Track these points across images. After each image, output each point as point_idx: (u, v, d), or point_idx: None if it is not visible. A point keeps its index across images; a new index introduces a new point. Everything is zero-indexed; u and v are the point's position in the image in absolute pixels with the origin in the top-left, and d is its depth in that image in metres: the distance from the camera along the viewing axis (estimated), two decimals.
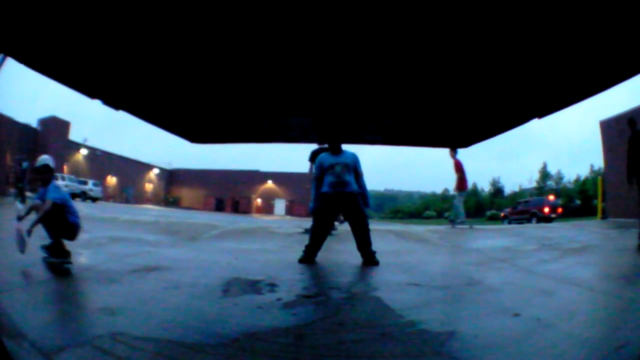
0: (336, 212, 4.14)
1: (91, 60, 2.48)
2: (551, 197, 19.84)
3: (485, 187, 45.67)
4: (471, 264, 3.84)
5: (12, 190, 13.37)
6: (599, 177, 12.37)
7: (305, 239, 4.10)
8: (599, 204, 11.30)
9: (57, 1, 1.82)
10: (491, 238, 6.21)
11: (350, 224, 3.94)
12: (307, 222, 6.56)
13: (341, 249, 4.61)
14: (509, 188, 43.66)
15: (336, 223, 5.82)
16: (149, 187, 34.63)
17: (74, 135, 25.82)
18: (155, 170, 35.58)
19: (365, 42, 2.18)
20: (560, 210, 17.96)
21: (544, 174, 39.06)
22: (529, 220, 16.63)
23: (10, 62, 2.49)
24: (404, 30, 2.03)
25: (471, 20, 1.90)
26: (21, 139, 19.05)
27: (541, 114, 3.18)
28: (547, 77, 2.55)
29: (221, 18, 1.95)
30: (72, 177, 21.37)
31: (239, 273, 3.11)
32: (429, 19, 1.91)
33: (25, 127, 21.26)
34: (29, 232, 2.91)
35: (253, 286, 2.70)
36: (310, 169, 5.86)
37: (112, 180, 30.00)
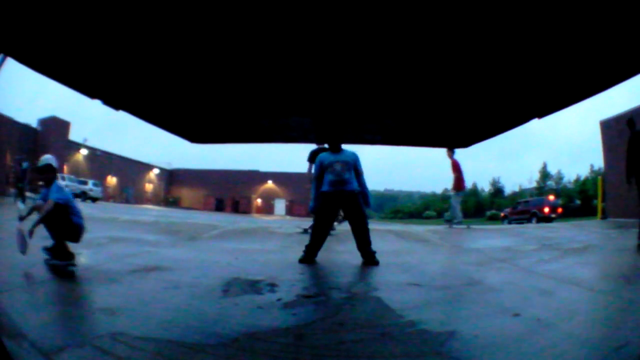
0: (336, 211, 4.13)
1: (91, 60, 2.48)
2: (551, 197, 19.85)
3: (485, 187, 45.92)
4: (471, 264, 3.84)
5: (12, 190, 13.37)
6: (599, 177, 12.38)
7: (305, 239, 4.10)
8: (599, 204, 11.30)
9: (57, 1, 1.82)
10: (491, 238, 6.20)
11: (350, 224, 3.94)
12: (307, 222, 6.57)
13: (341, 249, 4.61)
14: (509, 188, 43.86)
15: (335, 223, 5.81)
16: (149, 187, 34.62)
17: (74, 135, 25.86)
18: (155, 171, 35.58)
19: (365, 42, 2.17)
20: (560, 210, 17.97)
21: (544, 174, 39.11)
22: (529, 220, 16.61)
23: (10, 62, 2.48)
24: (404, 30, 2.03)
25: (471, 20, 1.90)
26: (21, 139, 19.05)
27: (541, 114, 3.17)
28: (547, 77, 2.54)
29: (221, 18, 1.95)
30: (72, 177, 21.39)
31: (239, 273, 3.11)
32: (428, 19, 1.91)
33: (25, 127, 21.24)
34: (31, 232, 2.88)
35: (253, 286, 2.70)
36: (309, 169, 5.84)
37: (112, 180, 29.99)
